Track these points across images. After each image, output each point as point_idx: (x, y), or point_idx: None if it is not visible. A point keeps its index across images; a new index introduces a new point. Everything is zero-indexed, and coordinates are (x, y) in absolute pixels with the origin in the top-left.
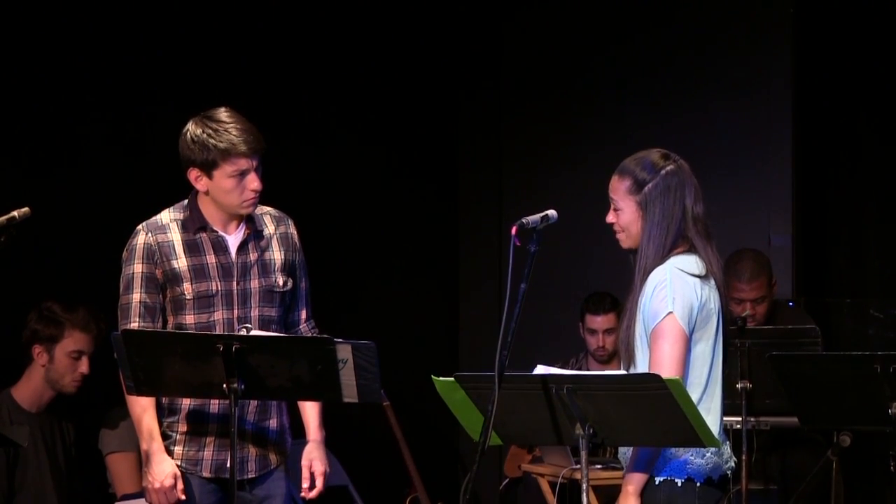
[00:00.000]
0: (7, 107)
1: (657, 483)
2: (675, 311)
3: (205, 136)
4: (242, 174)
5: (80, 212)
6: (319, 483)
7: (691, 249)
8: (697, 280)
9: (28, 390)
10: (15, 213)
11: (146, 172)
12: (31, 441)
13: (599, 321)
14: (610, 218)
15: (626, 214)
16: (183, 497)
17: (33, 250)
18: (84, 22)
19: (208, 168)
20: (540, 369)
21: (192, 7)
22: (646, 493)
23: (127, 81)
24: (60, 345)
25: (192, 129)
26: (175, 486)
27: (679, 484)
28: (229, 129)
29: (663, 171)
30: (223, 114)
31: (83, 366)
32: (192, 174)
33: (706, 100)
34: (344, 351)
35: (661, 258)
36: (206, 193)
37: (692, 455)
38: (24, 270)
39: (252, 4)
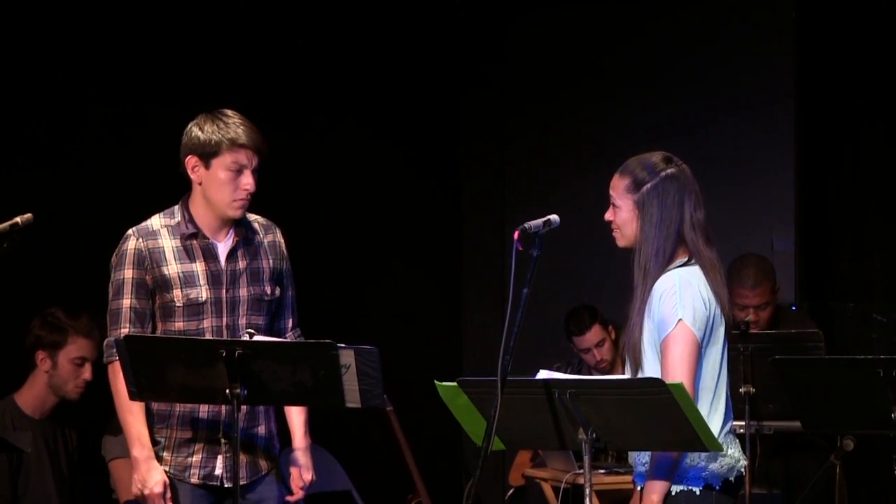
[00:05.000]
0: (10, 112)
1: (674, 493)
2: (685, 318)
3: (214, 126)
4: (240, 169)
5: (84, 218)
6: (300, 493)
7: (692, 259)
8: (704, 288)
9: (31, 396)
10: (18, 219)
11: (150, 178)
12: (35, 447)
13: (587, 339)
14: (608, 216)
15: (622, 212)
16: None
17: (37, 256)
18: (87, 30)
19: (208, 157)
20: (543, 374)
21: (193, 11)
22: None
23: (130, 86)
24: (64, 351)
25: (199, 120)
26: (164, 494)
27: (698, 493)
28: (237, 123)
29: (663, 174)
30: (231, 112)
31: (86, 372)
32: (190, 163)
33: (709, 106)
34: (347, 356)
35: (663, 265)
36: (200, 185)
37: (707, 461)
38: (27, 276)
39: (253, 8)
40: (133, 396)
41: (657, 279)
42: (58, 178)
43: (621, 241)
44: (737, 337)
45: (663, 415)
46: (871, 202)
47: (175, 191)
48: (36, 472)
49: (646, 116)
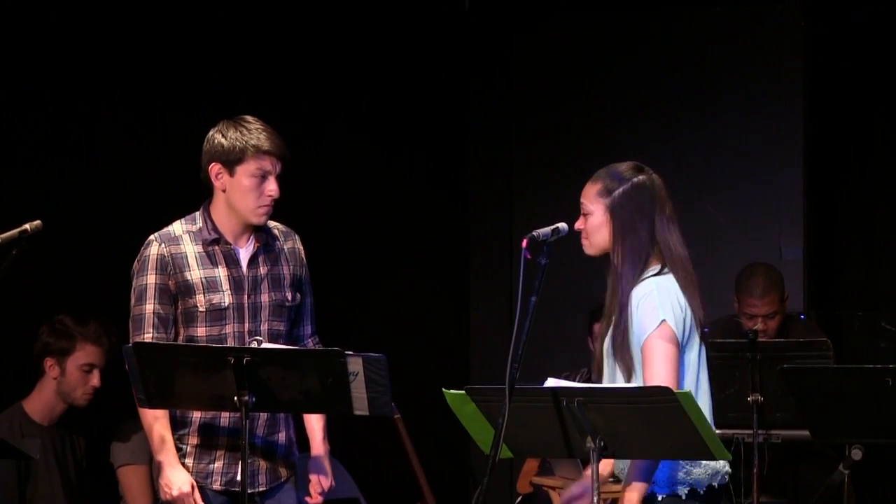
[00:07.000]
0: (20, 118)
1: (660, 499)
2: (667, 319)
3: (237, 133)
4: (264, 176)
5: (93, 224)
6: (318, 499)
7: (665, 268)
8: (680, 295)
9: (39, 403)
10: (27, 226)
11: (159, 184)
12: (43, 454)
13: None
14: (578, 224)
15: (594, 218)
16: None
17: (45, 263)
18: (101, 34)
19: (232, 164)
20: (550, 382)
21: (205, 17)
22: None
23: (139, 92)
24: (72, 358)
25: (222, 126)
26: (192, 493)
27: (683, 497)
28: (260, 129)
29: (634, 180)
30: (252, 118)
31: (94, 379)
32: (214, 169)
33: (717, 113)
34: (355, 364)
35: (639, 270)
36: (224, 192)
37: (690, 465)
38: (36, 283)
39: (264, 17)
40: (142, 404)
41: (633, 287)
42: (67, 184)
43: (589, 249)
44: (745, 346)
45: (671, 423)
46: (880, 210)
47: (186, 198)
48: (44, 478)
49: (654, 125)
